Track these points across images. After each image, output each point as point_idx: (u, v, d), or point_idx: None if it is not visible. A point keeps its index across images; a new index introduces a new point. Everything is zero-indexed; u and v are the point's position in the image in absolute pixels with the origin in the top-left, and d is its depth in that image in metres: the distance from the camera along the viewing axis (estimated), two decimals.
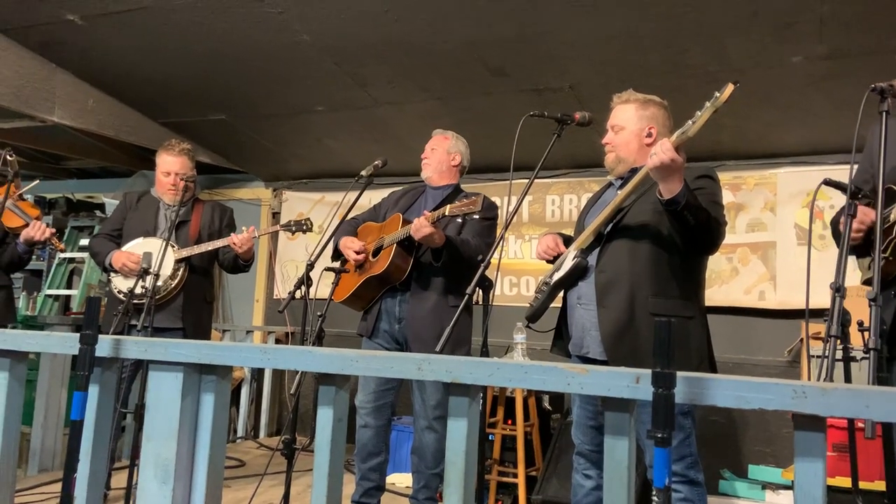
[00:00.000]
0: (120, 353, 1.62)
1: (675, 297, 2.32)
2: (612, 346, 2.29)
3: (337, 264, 3.07)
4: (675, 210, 2.15)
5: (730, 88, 2.02)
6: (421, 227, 2.76)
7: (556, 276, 2.46)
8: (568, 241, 2.62)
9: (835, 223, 2.21)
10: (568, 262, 2.44)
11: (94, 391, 1.64)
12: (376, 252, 3.04)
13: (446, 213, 2.76)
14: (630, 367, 1.24)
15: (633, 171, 2.48)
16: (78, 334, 1.58)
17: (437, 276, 2.97)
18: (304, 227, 3.51)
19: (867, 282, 1.89)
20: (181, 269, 3.44)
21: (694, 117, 2.11)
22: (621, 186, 2.49)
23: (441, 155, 3.18)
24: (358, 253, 3.04)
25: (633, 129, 2.49)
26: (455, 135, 3.24)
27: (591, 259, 2.39)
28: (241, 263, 3.55)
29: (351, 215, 3.18)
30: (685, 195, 2.13)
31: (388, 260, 2.90)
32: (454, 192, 3.14)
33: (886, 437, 1.73)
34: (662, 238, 2.32)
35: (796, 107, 3.87)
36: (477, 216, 2.82)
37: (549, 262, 2.61)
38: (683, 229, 2.22)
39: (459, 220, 3.00)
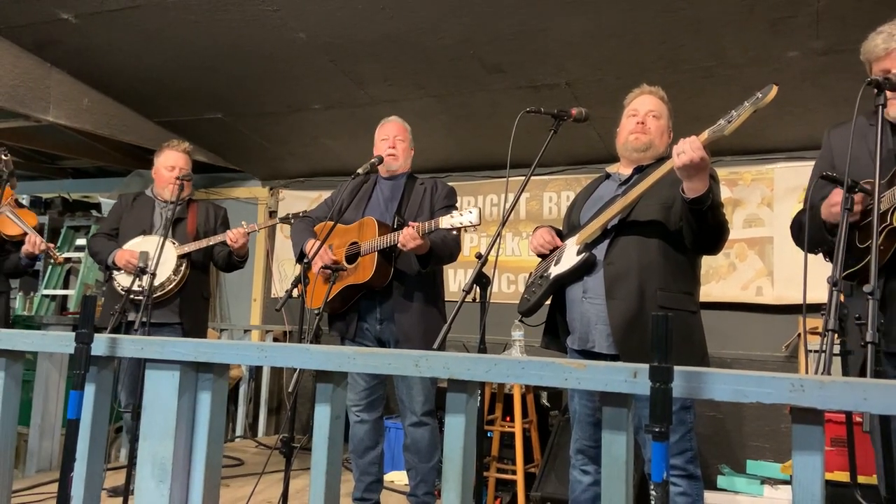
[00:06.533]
0: (116, 351, 1.61)
1: (680, 292, 2.33)
2: (623, 338, 2.26)
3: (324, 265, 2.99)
4: (699, 210, 2.11)
5: (774, 90, 1.93)
6: (409, 240, 2.78)
7: (557, 271, 2.43)
8: (559, 235, 2.60)
9: (797, 223, 2.17)
10: (572, 257, 2.40)
11: (90, 390, 1.64)
12: (351, 258, 3.01)
13: (440, 226, 2.77)
14: (640, 361, 1.22)
15: (638, 168, 2.48)
16: (74, 333, 1.57)
17: (416, 277, 3.00)
18: None
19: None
20: (184, 265, 3.52)
21: (729, 116, 2.01)
22: (625, 182, 2.48)
23: (407, 147, 3.21)
24: (328, 264, 2.95)
25: (664, 122, 2.52)
26: (406, 123, 3.28)
27: (598, 253, 2.38)
28: (235, 260, 3.62)
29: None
30: (711, 195, 2.10)
31: (373, 268, 2.90)
32: (409, 181, 3.18)
33: (884, 430, 1.73)
34: (670, 234, 2.31)
35: (792, 102, 3.87)
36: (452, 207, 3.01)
37: (541, 256, 2.59)
38: (700, 228, 2.17)
39: (426, 212, 3.04)
